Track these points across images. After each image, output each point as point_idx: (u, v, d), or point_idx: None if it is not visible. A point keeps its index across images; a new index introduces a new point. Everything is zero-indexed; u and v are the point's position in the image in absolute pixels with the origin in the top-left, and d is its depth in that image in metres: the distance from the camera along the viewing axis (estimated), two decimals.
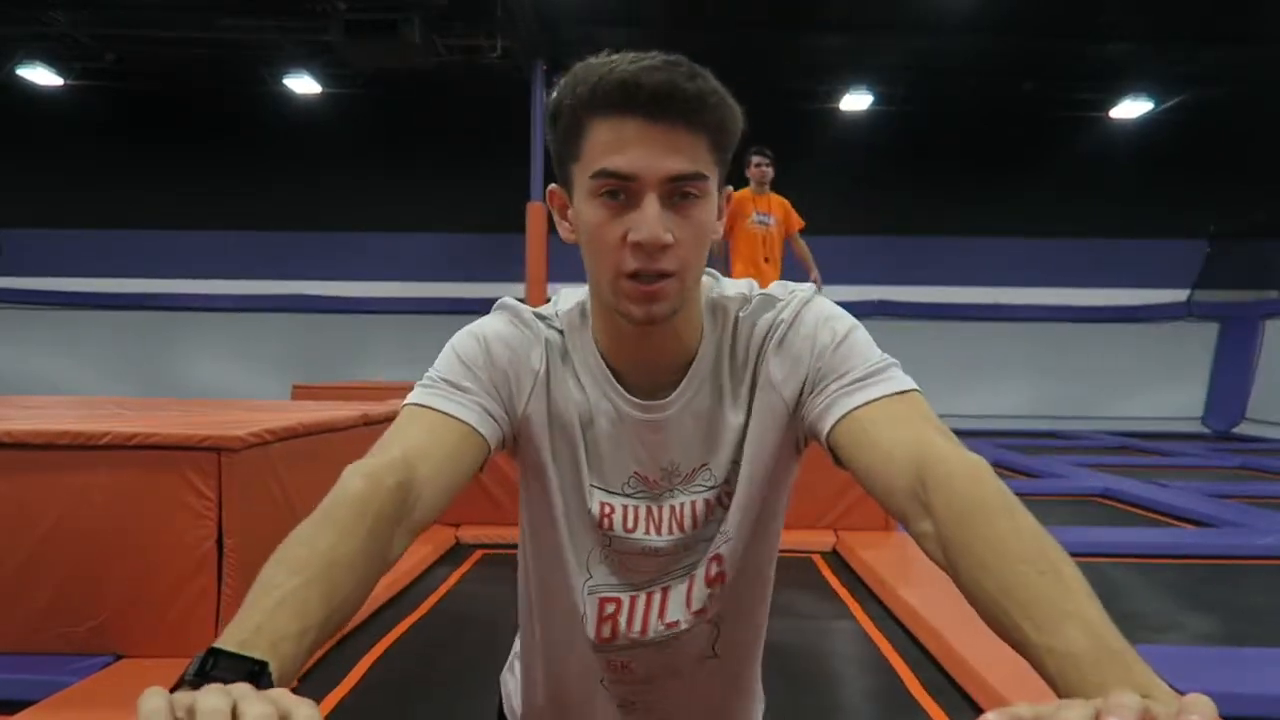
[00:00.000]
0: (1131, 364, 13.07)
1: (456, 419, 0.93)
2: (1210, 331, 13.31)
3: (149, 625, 2.46)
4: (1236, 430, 12.38)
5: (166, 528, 2.48)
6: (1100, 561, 4.29)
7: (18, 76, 11.87)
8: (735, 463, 1.00)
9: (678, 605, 1.03)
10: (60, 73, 11.94)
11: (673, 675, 1.08)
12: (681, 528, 1.01)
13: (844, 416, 0.91)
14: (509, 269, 11.64)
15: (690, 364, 1.00)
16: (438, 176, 12.87)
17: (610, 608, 1.04)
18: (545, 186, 0.99)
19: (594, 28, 10.75)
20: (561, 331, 1.01)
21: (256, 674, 0.64)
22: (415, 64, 9.84)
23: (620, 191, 0.88)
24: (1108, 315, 13.31)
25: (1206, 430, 12.61)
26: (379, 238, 13.19)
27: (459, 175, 12.60)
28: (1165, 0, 9.54)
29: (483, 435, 0.94)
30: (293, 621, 0.69)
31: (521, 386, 0.99)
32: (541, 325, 1.01)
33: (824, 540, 4.41)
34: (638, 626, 1.04)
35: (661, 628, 1.03)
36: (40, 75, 11.93)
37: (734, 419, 1.01)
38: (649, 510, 1.01)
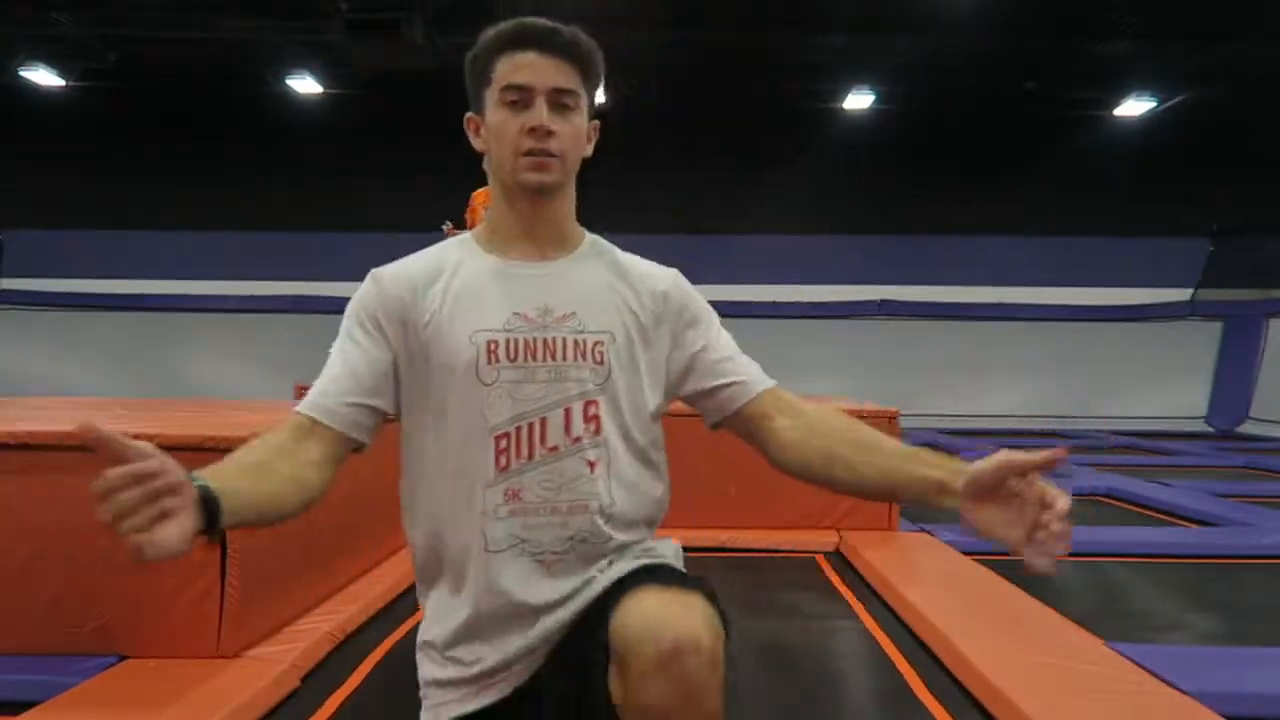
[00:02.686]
0: (1135, 363, 13.04)
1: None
2: (1214, 330, 13.29)
3: (152, 626, 2.46)
4: (1240, 429, 12.36)
5: None
6: (1104, 561, 4.29)
7: (20, 77, 11.88)
8: (609, 330, 1.35)
9: (557, 431, 1.31)
10: (62, 74, 11.94)
11: (555, 506, 1.31)
12: (553, 356, 1.31)
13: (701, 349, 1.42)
14: None
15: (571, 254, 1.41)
16: (439, 177, 12.84)
17: (503, 443, 1.29)
18: None
19: (594, 28, 10.70)
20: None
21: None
22: (417, 64, 9.84)
23: (519, 100, 1.31)
24: (1111, 314, 13.29)
25: (1210, 429, 12.59)
26: (381, 238, 13.12)
27: (460, 176, 12.52)
28: None
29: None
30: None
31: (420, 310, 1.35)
32: (417, 265, 1.39)
33: (827, 540, 4.41)
34: (525, 452, 1.30)
35: (544, 451, 1.30)
36: (42, 76, 11.93)
37: (610, 296, 1.38)
38: (527, 342, 1.31)
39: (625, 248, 1.51)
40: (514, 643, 1.30)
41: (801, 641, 3.09)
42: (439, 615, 1.38)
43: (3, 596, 2.45)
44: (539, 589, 1.29)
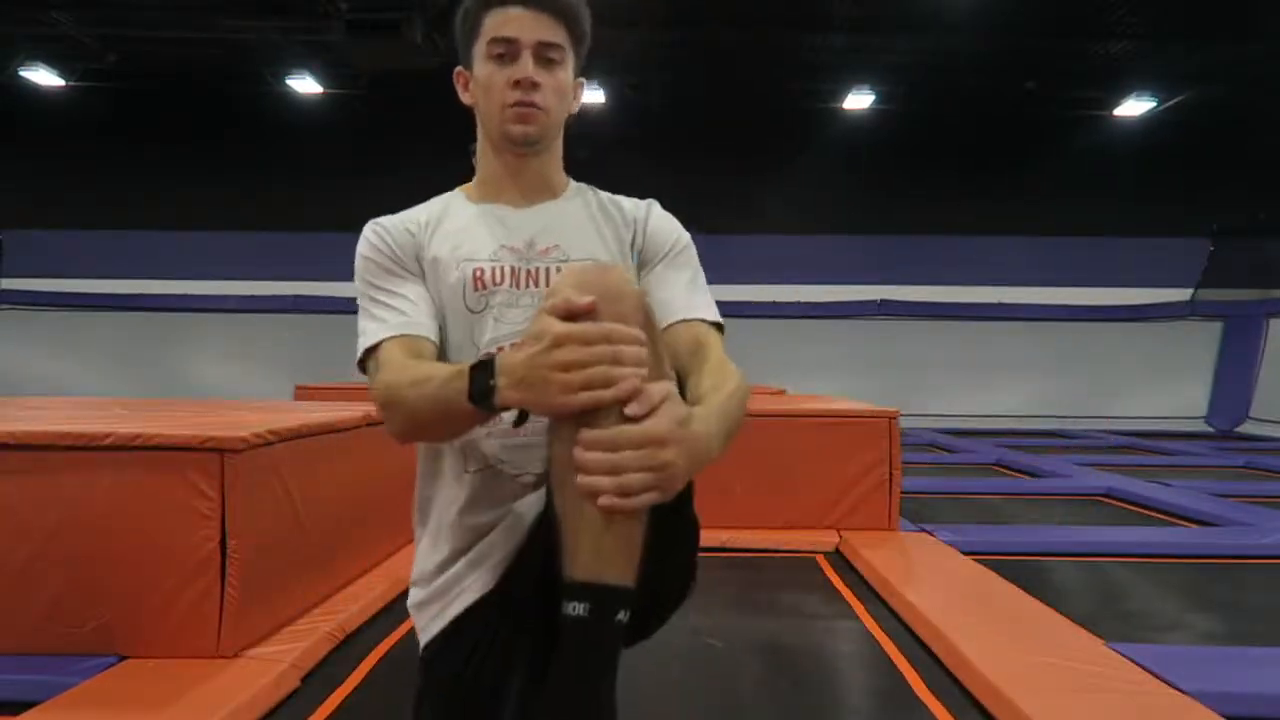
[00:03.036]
0: (1135, 363, 13.05)
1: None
2: (1214, 330, 13.30)
3: (152, 626, 2.46)
4: (1240, 429, 12.36)
5: (169, 529, 2.48)
6: (1104, 561, 4.29)
7: (20, 78, 11.88)
8: (592, 256, 1.38)
9: None
10: (62, 74, 11.95)
11: (539, 427, 1.33)
12: (536, 284, 1.37)
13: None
14: None
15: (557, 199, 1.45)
16: (439, 177, 12.81)
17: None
18: None
19: (595, 27, 10.73)
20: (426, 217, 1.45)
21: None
22: (417, 64, 9.84)
23: (506, 53, 1.34)
24: (1111, 314, 13.30)
25: (1210, 429, 12.59)
26: None
27: (462, 176, 12.56)
28: None
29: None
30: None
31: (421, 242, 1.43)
32: (411, 213, 1.48)
33: (827, 540, 4.40)
34: None
35: None
36: (42, 76, 11.94)
37: (593, 227, 1.42)
38: (513, 270, 1.37)
39: None
40: (483, 542, 1.34)
41: (801, 641, 3.09)
42: (427, 530, 1.41)
43: (3, 596, 2.45)
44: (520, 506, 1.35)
